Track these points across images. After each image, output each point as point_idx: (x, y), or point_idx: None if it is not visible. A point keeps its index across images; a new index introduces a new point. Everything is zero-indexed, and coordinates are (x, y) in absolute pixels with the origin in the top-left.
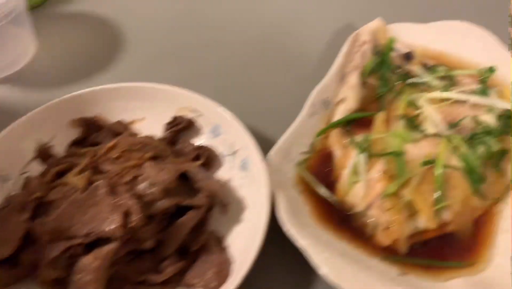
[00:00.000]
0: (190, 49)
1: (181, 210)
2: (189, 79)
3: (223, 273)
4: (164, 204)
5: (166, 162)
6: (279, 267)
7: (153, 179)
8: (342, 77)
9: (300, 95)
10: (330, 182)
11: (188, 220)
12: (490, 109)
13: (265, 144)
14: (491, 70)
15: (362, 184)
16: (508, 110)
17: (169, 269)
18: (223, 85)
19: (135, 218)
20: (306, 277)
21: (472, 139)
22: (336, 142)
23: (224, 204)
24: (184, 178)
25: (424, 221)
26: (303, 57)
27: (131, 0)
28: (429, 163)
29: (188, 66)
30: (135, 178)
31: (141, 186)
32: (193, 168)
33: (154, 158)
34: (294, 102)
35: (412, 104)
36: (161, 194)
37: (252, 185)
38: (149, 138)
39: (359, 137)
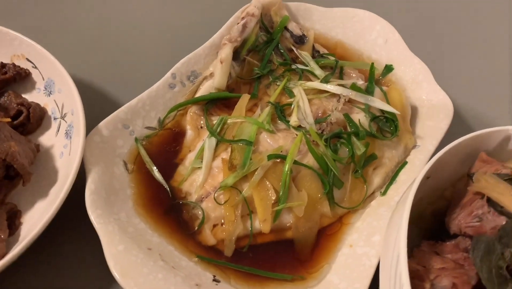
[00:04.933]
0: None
1: None
2: (48, 34)
3: None
4: None
5: None
6: (79, 253)
7: None
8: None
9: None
10: (173, 164)
11: None
12: (366, 108)
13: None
14: (388, 68)
15: (202, 171)
16: (386, 112)
17: None
18: (85, 47)
19: None
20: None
21: (337, 138)
22: (190, 121)
23: (23, 172)
24: None
25: (259, 223)
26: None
27: None
28: (277, 157)
29: (51, 20)
30: None
31: None
32: None
33: None
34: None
35: (288, 91)
36: None
37: (71, 155)
38: None
39: (216, 119)
